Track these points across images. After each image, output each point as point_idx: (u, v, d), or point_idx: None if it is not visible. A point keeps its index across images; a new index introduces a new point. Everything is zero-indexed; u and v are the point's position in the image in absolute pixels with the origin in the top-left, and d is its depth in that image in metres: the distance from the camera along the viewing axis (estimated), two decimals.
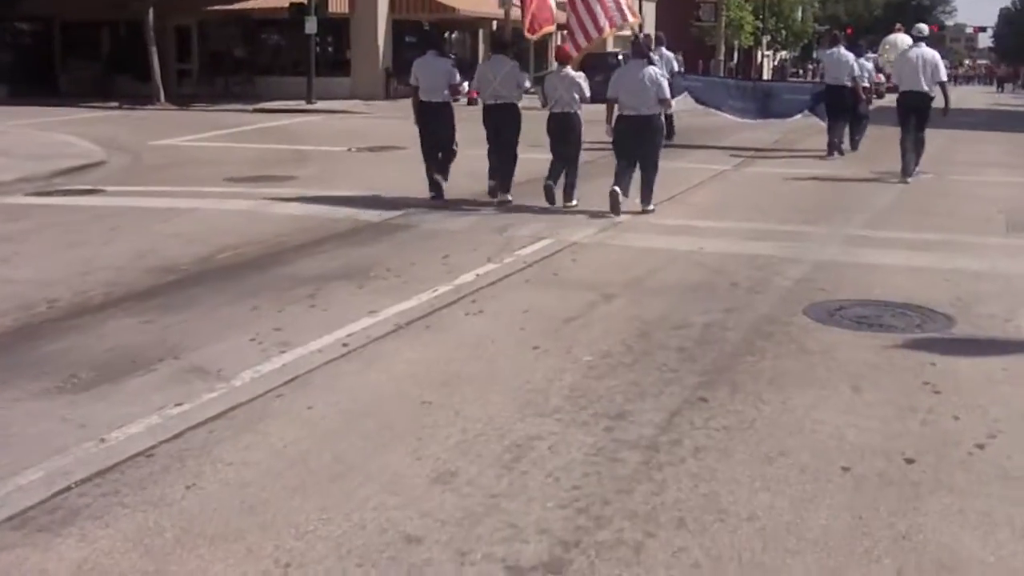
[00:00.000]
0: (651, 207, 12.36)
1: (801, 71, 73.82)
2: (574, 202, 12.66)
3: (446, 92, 13.12)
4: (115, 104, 33.02)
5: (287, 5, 34.06)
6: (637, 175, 12.45)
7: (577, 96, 12.53)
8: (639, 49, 12.69)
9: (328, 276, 8.92)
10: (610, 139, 12.50)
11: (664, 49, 19.31)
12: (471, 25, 40.92)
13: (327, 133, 23.46)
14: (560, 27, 15.25)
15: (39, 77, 39.14)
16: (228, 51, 39.63)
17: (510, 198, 12.84)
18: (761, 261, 9.69)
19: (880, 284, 8.83)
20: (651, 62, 12.63)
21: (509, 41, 15.11)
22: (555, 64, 13.27)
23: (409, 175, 15.32)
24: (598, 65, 23.35)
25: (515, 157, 13.10)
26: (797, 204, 13.34)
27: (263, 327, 7.29)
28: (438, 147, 13.22)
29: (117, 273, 9.02)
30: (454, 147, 13.27)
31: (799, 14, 70.79)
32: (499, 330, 7.38)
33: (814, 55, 63.24)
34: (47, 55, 41.15)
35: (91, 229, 11.19)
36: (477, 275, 9.04)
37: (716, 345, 7.03)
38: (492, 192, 13.00)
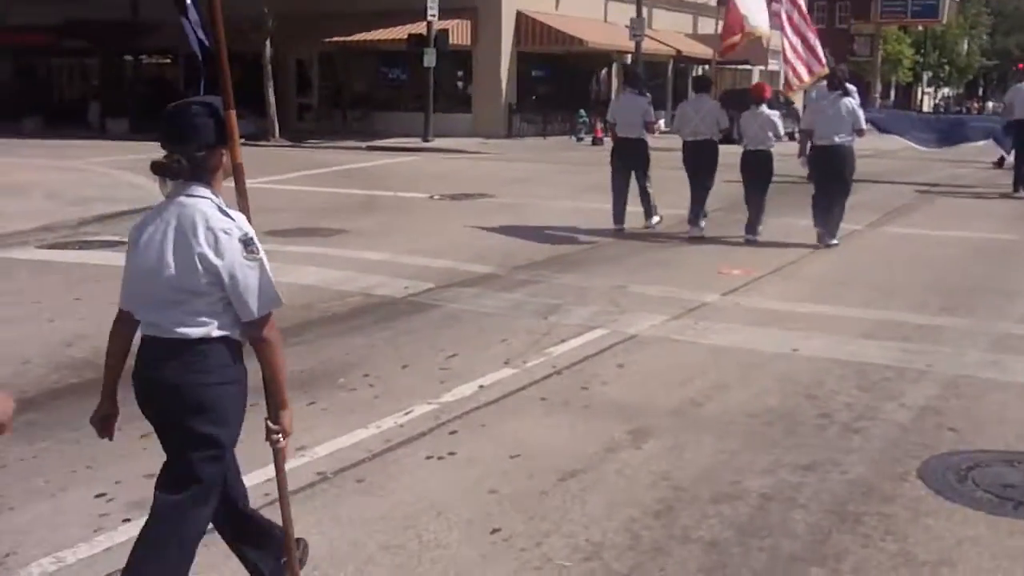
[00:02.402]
0: (835, 242, 12.61)
1: (965, 110, 69.17)
2: (758, 236, 13.02)
3: (642, 128, 13.73)
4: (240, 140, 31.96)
5: (407, 36, 32.53)
6: None
7: (771, 134, 12.95)
8: (836, 81, 12.83)
9: None
10: (805, 170, 13.01)
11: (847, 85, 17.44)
12: (602, 59, 38.68)
13: (420, 176, 21.55)
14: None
15: (158, 112, 38.62)
16: (348, 85, 38.40)
17: (703, 227, 13.42)
18: (872, 375, 7.18)
19: None
20: (847, 93, 12.61)
21: (710, 81, 15.10)
22: (752, 103, 13.50)
23: (476, 232, 13.27)
24: (731, 102, 21.01)
25: (707, 189, 13.52)
26: (939, 281, 10.65)
27: (130, 478, 5.20)
28: (628, 182, 13.85)
29: (17, 370, 7.09)
30: (648, 183, 13.94)
31: (964, 47, 66.36)
32: (458, 492, 5.13)
33: (980, 92, 59.17)
34: (172, 89, 40.72)
35: (51, 297, 9.39)
36: (480, 387, 6.82)
37: (769, 540, 4.62)
38: (692, 221, 13.45)
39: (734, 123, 14.35)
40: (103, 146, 26.87)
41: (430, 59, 31.88)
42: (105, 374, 3.60)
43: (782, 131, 13.17)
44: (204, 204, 3.39)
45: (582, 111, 33.98)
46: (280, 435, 3.56)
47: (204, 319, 3.36)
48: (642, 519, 4.82)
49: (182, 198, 3.41)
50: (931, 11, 52.73)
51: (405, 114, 35.05)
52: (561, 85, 37.32)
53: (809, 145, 12.72)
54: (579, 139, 33.39)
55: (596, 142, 32.28)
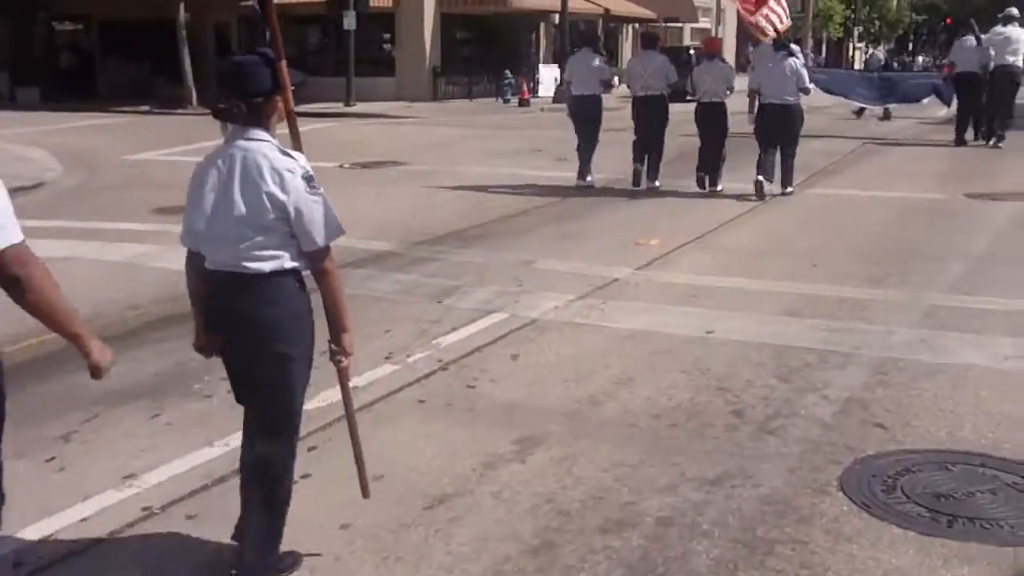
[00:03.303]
0: (790, 190, 13.23)
1: (896, 65, 69.12)
2: (719, 187, 13.43)
3: (598, 86, 13.96)
4: (146, 108, 30.72)
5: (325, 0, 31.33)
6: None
7: (725, 87, 13.33)
8: (780, 42, 13.60)
9: (126, 393, 5.96)
10: (751, 127, 13.41)
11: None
12: (529, 20, 37.67)
13: (334, 143, 20.49)
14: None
15: (77, 80, 37.11)
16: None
17: (659, 184, 13.81)
18: (793, 360, 6.49)
19: (973, 408, 5.59)
20: (792, 54, 13.23)
21: (657, 37, 15.09)
22: (700, 56, 14.69)
23: (380, 204, 12.42)
24: (674, 60, 20.39)
25: (662, 145, 13.91)
26: (867, 247, 10.00)
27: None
28: (590, 137, 14.04)
29: None
30: (596, 138, 14.13)
31: (894, 3, 66.17)
32: (304, 528, 4.32)
33: (910, 47, 59.01)
34: (86, 57, 39.15)
35: None
36: (353, 388, 5.97)
37: None
38: (637, 177, 13.84)
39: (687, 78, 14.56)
40: (9, 117, 25.44)
41: (350, 22, 30.76)
42: (194, 310, 3.85)
43: (734, 83, 13.60)
44: (265, 147, 3.62)
45: (508, 73, 33.04)
46: (342, 356, 3.86)
47: (274, 253, 3.59)
48: (516, 558, 4.07)
49: (242, 142, 3.64)
50: None
51: (327, 79, 33.66)
52: (487, 47, 36.30)
53: (757, 103, 13.32)
54: (505, 101, 32.49)
55: (522, 103, 31.44)
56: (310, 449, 5.15)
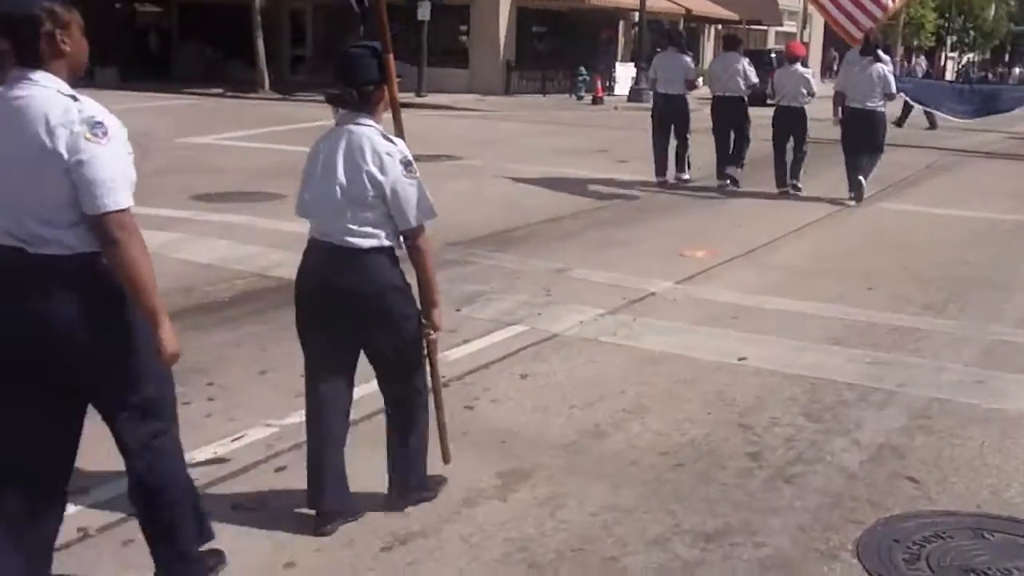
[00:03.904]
0: (866, 191, 13.04)
1: (991, 75, 67.07)
2: (800, 188, 13.54)
3: (683, 85, 13.97)
4: (219, 91, 30.74)
5: None
6: None
7: (805, 91, 13.39)
8: (867, 47, 13.16)
9: None
10: (837, 130, 13.32)
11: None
12: (608, 16, 37.00)
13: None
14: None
15: (153, 61, 37.36)
16: (342, 38, 36.86)
17: (737, 178, 13.89)
18: (828, 396, 5.90)
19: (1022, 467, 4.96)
20: (879, 59, 13.03)
21: (739, 39, 15.27)
22: (785, 61, 14.28)
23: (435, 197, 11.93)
24: (755, 62, 19.85)
25: (745, 142, 13.92)
26: (930, 270, 9.31)
27: None
28: (668, 136, 14.11)
29: None
30: (688, 136, 14.15)
31: (991, 12, 64.15)
32: (244, 568, 3.87)
33: (1006, 58, 57.24)
34: (163, 38, 39.39)
35: None
36: None
37: None
38: (720, 175, 13.96)
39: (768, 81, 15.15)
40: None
41: (424, 12, 30.46)
42: None
43: (815, 88, 13.63)
44: (370, 131, 3.98)
45: (583, 69, 32.45)
46: (431, 330, 4.19)
47: (372, 231, 3.92)
48: None
49: (350, 126, 4.00)
50: None
51: (402, 67, 33.53)
52: (563, 42, 35.73)
53: (842, 108, 13.19)
54: (579, 98, 31.92)
55: (596, 101, 30.85)
56: (278, 470, 4.71)
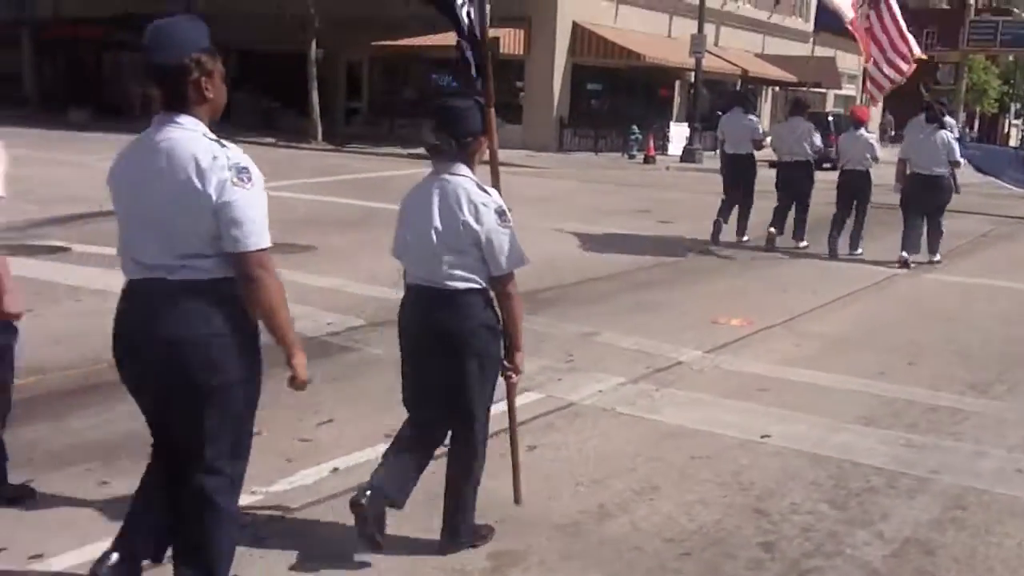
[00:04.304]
0: (938, 258, 13.28)
1: None
2: (859, 251, 13.62)
3: (750, 145, 14.19)
4: (272, 140, 30.93)
5: (456, 43, 31.09)
6: None
7: (869, 156, 13.50)
8: (933, 114, 13.10)
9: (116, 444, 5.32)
10: (897, 196, 13.51)
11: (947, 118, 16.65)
12: (662, 75, 36.83)
13: None
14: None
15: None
16: (397, 92, 37.10)
17: (806, 243, 14.00)
18: (855, 481, 5.51)
19: None
20: (943, 126, 13.06)
21: (806, 104, 15.52)
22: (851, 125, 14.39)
23: None
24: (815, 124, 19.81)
25: (806, 207, 14.08)
26: (978, 346, 8.86)
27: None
28: (746, 195, 14.26)
29: None
30: (752, 196, 14.28)
31: None
32: None
33: None
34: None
35: None
36: (333, 471, 5.28)
37: None
38: (771, 241, 13.89)
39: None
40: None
41: None
42: None
43: (879, 154, 13.75)
44: (466, 182, 4.13)
45: (635, 127, 32.24)
46: (512, 372, 4.41)
47: (466, 275, 4.11)
48: None
49: (447, 175, 4.16)
50: (1022, 40, 49.97)
51: None
52: (618, 100, 35.59)
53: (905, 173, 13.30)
54: (631, 157, 31.67)
55: (648, 160, 30.59)
56: (256, 542, 4.41)
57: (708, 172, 28.38)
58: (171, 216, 3.30)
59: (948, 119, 13.92)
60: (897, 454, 5.97)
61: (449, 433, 4.44)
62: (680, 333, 8.68)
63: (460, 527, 4.42)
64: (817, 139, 14.03)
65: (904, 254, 12.89)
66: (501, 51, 31.49)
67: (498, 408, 4.60)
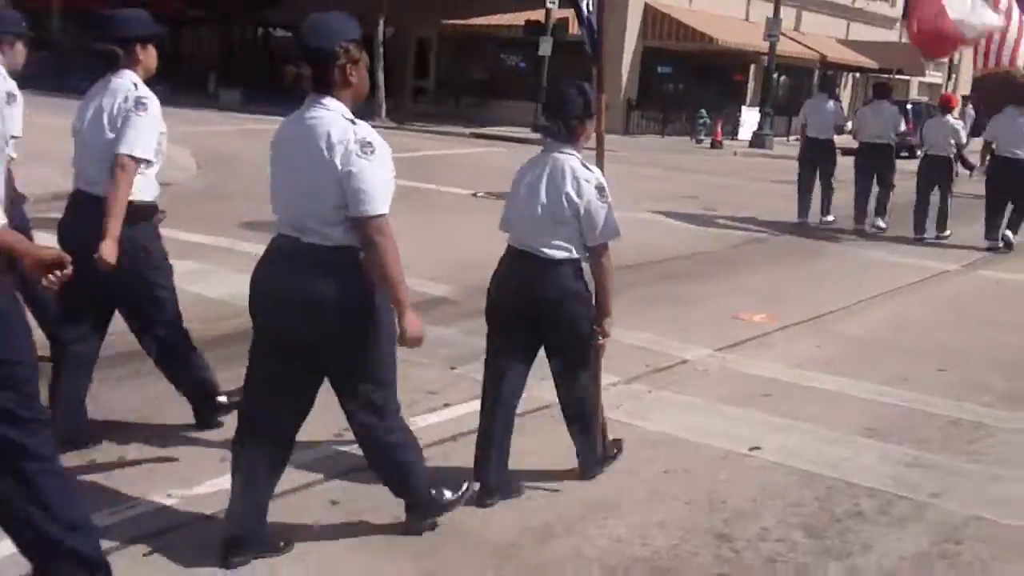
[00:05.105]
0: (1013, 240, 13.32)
1: None
2: (947, 232, 13.89)
3: (832, 130, 14.40)
4: None
5: (524, 23, 30.69)
6: None
7: (953, 142, 13.65)
8: (1022, 99, 13.25)
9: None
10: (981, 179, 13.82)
11: None
12: (737, 58, 35.86)
13: (490, 169, 19.49)
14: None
15: (279, 83, 37.76)
16: (464, 70, 36.70)
17: (883, 224, 14.30)
18: (842, 503, 4.98)
19: None
20: None
21: (890, 88, 15.65)
22: (938, 110, 14.85)
23: (478, 240, 11.30)
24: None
25: (889, 189, 14.35)
26: (1016, 354, 8.19)
27: None
28: (814, 179, 14.50)
29: None
30: (832, 180, 14.50)
31: None
32: None
33: None
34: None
35: None
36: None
37: None
38: (858, 220, 14.36)
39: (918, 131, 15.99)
40: (202, 117, 25.59)
41: (545, 48, 30.04)
42: None
43: (964, 139, 13.86)
44: (572, 160, 4.55)
45: (703, 112, 31.43)
46: (601, 337, 4.74)
47: (564, 244, 4.51)
48: None
49: (555, 154, 4.59)
50: None
51: (521, 103, 32.98)
52: (689, 84, 34.75)
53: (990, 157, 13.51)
54: (698, 141, 30.89)
55: (715, 145, 29.81)
56: (145, 554, 4.03)
57: (775, 158, 27.66)
58: (307, 185, 3.72)
59: None
60: (898, 474, 5.40)
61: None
62: (694, 328, 8.15)
63: (592, 458, 5.03)
64: (901, 123, 14.32)
65: (989, 241, 13.25)
66: (570, 32, 30.98)
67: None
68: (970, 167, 14.17)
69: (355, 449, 4.92)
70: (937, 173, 13.83)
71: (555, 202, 4.51)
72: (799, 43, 35.73)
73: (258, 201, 12.66)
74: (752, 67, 37.39)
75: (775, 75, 32.58)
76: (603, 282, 4.66)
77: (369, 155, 3.68)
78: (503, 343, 4.80)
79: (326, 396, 4.06)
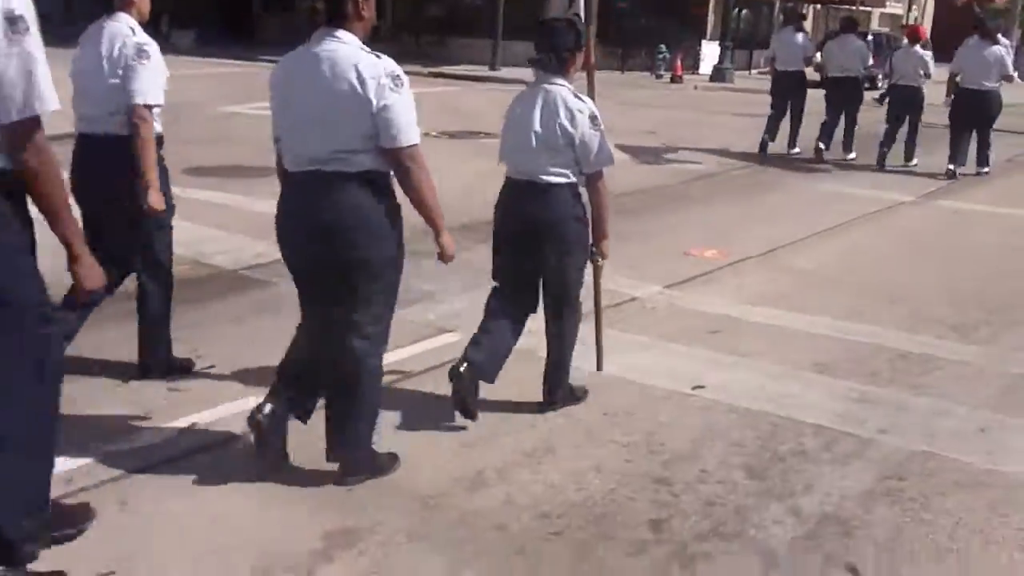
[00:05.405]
0: (986, 170, 13.71)
1: None
2: (914, 162, 14.17)
3: (801, 62, 14.60)
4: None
5: None
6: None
7: (922, 72, 13.87)
8: (987, 31, 13.61)
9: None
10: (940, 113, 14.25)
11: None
12: None
13: (446, 109, 19.18)
14: None
15: (235, 25, 37.03)
16: (422, 7, 36.11)
17: (854, 155, 14.56)
18: (786, 441, 4.85)
19: (1008, 553, 3.86)
20: (996, 42, 13.46)
21: (856, 21, 16.13)
22: (904, 40, 15.04)
23: (438, 179, 10.93)
24: None
25: (855, 121, 14.62)
26: (973, 283, 8.11)
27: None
28: (784, 113, 14.74)
29: None
30: (802, 112, 14.75)
31: None
32: None
33: None
34: (241, 3, 39.13)
35: None
36: (192, 425, 4.69)
37: None
38: (819, 155, 14.30)
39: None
40: None
41: None
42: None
43: (932, 70, 14.01)
44: (564, 91, 4.74)
45: (662, 46, 31.08)
46: (600, 257, 5.09)
47: (560, 171, 4.73)
48: None
49: (547, 85, 4.76)
50: None
51: (480, 41, 32.57)
52: (648, 18, 34.30)
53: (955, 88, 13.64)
54: (658, 76, 30.59)
55: (675, 80, 29.51)
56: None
57: (737, 91, 27.43)
58: (332, 117, 3.79)
59: (1002, 38, 13.93)
60: (845, 410, 5.28)
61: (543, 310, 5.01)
62: (645, 265, 7.98)
63: (558, 389, 5.05)
64: (868, 56, 14.54)
65: (951, 166, 13.37)
66: None
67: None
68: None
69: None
70: (906, 103, 14.00)
71: (550, 131, 4.64)
72: None
73: (205, 144, 12.43)
74: (711, 0, 37.00)
75: (735, 9, 32.21)
76: (600, 206, 4.86)
77: (400, 88, 3.82)
78: (512, 265, 4.96)
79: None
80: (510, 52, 29.53)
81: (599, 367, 5.52)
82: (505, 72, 28.59)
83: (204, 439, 4.59)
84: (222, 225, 8.66)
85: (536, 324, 5.14)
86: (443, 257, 4.21)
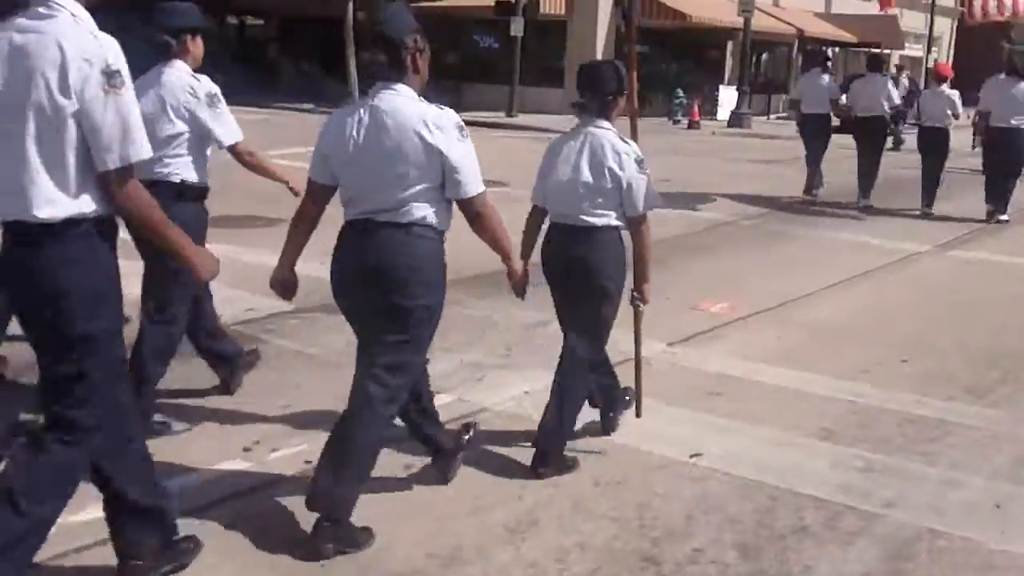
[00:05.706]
0: (1005, 217, 13.39)
1: None
2: (931, 210, 13.84)
3: (827, 104, 14.51)
4: (310, 106, 30.28)
5: (494, 3, 30.21)
6: None
7: (950, 112, 13.63)
8: (1013, 67, 13.36)
9: None
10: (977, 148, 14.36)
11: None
12: (713, 35, 35.36)
13: None
14: None
15: (258, 74, 37.19)
16: (437, 53, 36.14)
17: (872, 203, 14.24)
18: (786, 517, 4.59)
19: None
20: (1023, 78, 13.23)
21: (882, 60, 16.16)
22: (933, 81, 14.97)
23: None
24: None
25: (877, 163, 14.42)
26: (994, 340, 7.86)
27: None
28: (818, 153, 14.77)
29: None
30: (822, 154, 14.77)
31: None
32: None
33: None
34: (260, 50, 39.36)
35: None
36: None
37: None
38: (864, 198, 14.32)
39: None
40: None
41: (517, 28, 29.59)
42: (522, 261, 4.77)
43: (960, 110, 13.82)
44: (609, 134, 4.81)
45: (680, 91, 30.98)
46: (640, 301, 5.12)
47: (605, 213, 4.79)
48: None
49: (591, 128, 4.83)
50: None
51: (496, 87, 32.57)
52: (665, 63, 34.27)
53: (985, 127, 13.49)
54: (675, 122, 30.46)
55: (692, 125, 29.38)
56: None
57: (754, 137, 27.28)
58: (394, 167, 3.90)
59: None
60: (849, 481, 5.02)
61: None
62: (652, 322, 7.60)
63: (549, 456, 4.89)
64: (895, 95, 14.46)
65: (990, 206, 13.33)
66: (541, 12, 30.54)
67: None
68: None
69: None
70: (935, 145, 13.86)
71: (598, 176, 4.71)
72: (776, 18, 35.31)
73: (230, 192, 12.19)
74: (729, 44, 36.95)
75: (752, 52, 32.15)
76: (644, 247, 4.91)
77: (466, 138, 3.98)
78: (558, 307, 5.09)
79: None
80: (527, 98, 29.52)
81: (638, 414, 5.51)
82: (522, 119, 28.55)
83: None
84: (222, 276, 8.45)
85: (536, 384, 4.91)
86: (513, 284, 4.57)
